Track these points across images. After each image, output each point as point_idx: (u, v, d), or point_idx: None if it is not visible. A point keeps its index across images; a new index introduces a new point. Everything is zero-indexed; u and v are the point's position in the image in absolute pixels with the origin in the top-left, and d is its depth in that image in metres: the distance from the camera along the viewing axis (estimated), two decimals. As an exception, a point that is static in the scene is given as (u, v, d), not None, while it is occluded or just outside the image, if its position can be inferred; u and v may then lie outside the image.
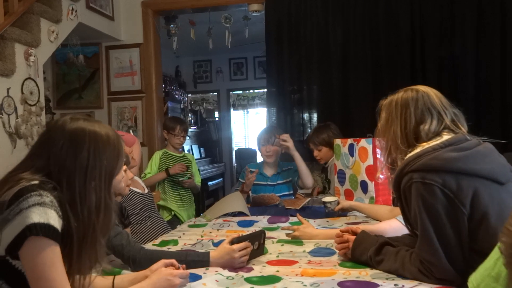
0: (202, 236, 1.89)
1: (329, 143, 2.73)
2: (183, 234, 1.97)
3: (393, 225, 1.63)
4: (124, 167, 1.73)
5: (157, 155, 3.07)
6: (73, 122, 1.08)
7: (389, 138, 1.32)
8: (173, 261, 1.26)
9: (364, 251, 1.36)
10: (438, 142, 1.22)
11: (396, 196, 1.28)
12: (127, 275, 1.29)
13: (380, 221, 1.89)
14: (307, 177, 2.65)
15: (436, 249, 1.14)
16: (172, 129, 3.08)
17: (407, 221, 1.28)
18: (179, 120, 3.26)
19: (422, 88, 1.33)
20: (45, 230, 0.94)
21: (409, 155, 1.23)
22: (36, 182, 1.00)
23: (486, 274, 0.85)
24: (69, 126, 1.07)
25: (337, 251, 1.48)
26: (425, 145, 1.23)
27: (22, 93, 2.55)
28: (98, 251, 1.06)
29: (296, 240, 1.73)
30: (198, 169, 3.62)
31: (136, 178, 2.51)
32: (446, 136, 1.23)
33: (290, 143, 2.63)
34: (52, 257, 0.96)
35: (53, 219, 0.96)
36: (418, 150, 1.23)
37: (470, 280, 0.89)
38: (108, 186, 1.09)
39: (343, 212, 2.18)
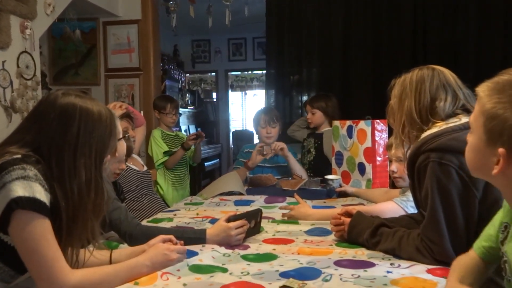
0: (197, 214, 1.89)
1: (325, 111, 2.83)
2: (178, 211, 1.97)
3: (390, 206, 1.64)
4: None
5: (157, 134, 3.04)
6: (64, 97, 1.06)
7: (403, 113, 1.31)
8: (171, 237, 1.25)
9: (360, 233, 1.36)
10: (457, 123, 1.21)
11: (409, 174, 1.27)
12: (124, 249, 1.29)
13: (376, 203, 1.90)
14: (302, 173, 2.66)
15: (441, 230, 1.14)
16: (163, 108, 3.04)
17: (416, 200, 1.28)
18: (168, 98, 3.22)
19: (438, 66, 1.33)
20: (31, 204, 0.93)
21: (427, 133, 1.23)
22: (19, 156, 0.98)
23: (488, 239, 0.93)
24: (60, 101, 1.05)
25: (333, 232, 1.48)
26: (442, 125, 1.22)
27: (18, 66, 2.51)
28: (89, 230, 1.05)
29: (292, 220, 1.73)
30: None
31: (135, 155, 2.49)
32: (464, 119, 1.22)
33: (283, 145, 2.62)
34: (41, 230, 0.95)
35: (39, 192, 0.95)
36: (435, 129, 1.22)
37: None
38: (99, 165, 1.06)
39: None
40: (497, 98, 0.74)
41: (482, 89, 0.79)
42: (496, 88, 0.76)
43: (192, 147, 3.10)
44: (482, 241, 0.95)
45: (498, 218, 0.92)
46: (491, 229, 0.94)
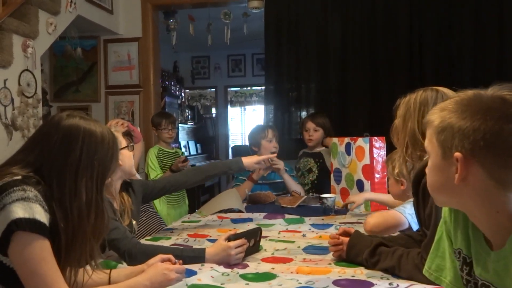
0: (195, 232, 1.89)
1: (325, 129, 2.85)
2: (176, 229, 1.97)
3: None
4: None
5: (153, 153, 3.04)
6: (69, 119, 1.07)
7: (406, 134, 1.33)
8: (170, 256, 1.26)
9: (358, 253, 1.36)
10: None
11: (413, 192, 1.28)
12: (123, 269, 1.28)
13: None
14: (299, 190, 2.66)
15: None
16: (159, 124, 3.05)
17: (419, 218, 1.29)
18: (164, 114, 3.23)
19: (442, 88, 1.35)
20: (31, 225, 0.93)
21: None
22: (19, 177, 0.99)
23: (434, 256, 0.95)
24: (64, 123, 1.06)
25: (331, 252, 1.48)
26: None
27: (19, 84, 2.54)
28: (88, 251, 1.05)
29: (290, 240, 1.73)
30: (194, 164, 3.61)
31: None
32: None
33: (281, 165, 2.62)
34: (41, 251, 0.95)
35: (39, 213, 0.95)
36: None
37: (424, 268, 0.99)
38: (100, 187, 1.07)
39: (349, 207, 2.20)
40: (441, 115, 0.78)
41: (428, 116, 0.83)
42: (439, 109, 0.80)
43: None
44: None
45: (446, 249, 0.92)
46: (451, 264, 0.91)
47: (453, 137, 0.75)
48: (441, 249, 0.93)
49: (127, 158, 1.64)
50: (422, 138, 1.29)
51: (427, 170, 0.85)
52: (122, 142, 1.64)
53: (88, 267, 1.11)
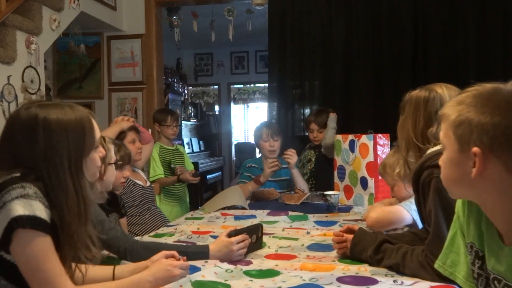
0: (198, 229, 1.89)
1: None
2: (180, 226, 1.97)
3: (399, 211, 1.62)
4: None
5: (155, 151, 3.02)
6: (25, 111, 1.03)
7: (402, 136, 1.35)
8: (174, 252, 1.25)
9: (363, 250, 1.36)
10: None
11: (414, 190, 1.28)
12: (127, 265, 1.28)
13: None
14: (304, 187, 2.68)
15: None
16: (164, 121, 3.03)
17: (421, 215, 1.29)
18: (168, 110, 3.23)
19: (439, 89, 1.35)
20: (31, 222, 0.93)
21: (431, 150, 1.24)
22: (18, 174, 0.98)
23: (448, 251, 0.95)
24: (22, 116, 1.02)
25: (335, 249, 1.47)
26: None
27: (23, 81, 2.54)
28: (77, 240, 1.03)
29: (293, 237, 1.73)
30: (197, 162, 3.60)
31: (139, 170, 2.50)
32: None
33: (293, 160, 2.61)
34: (43, 248, 0.95)
35: (39, 210, 0.95)
36: (439, 146, 1.23)
37: (436, 262, 0.99)
38: (77, 171, 1.03)
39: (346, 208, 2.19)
40: (459, 108, 0.77)
41: (444, 109, 0.82)
42: (456, 102, 0.79)
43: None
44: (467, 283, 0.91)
45: (461, 244, 0.92)
46: (465, 259, 0.91)
47: (471, 131, 0.74)
48: (456, 245, 0.93)
49: (110, 174, 1.60)
50: (418, 141, 1.30)
51: (441, 163, 0.84)
52: (112, 157, 1.61)
53: (91, 261, 1.10)
